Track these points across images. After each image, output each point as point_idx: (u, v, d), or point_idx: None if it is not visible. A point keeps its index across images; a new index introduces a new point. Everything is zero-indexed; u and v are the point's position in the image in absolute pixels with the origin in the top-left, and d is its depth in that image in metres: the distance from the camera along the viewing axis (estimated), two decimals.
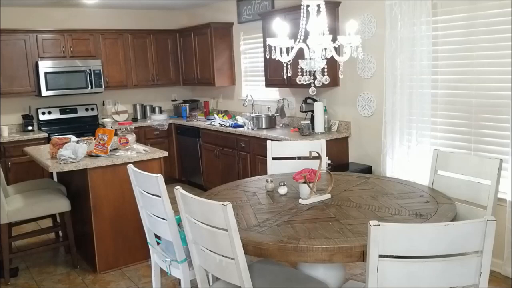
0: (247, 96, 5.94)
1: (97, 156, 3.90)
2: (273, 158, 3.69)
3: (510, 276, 3.50)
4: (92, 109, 6.64)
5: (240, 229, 2.20)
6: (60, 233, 4.65)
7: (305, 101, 5.09)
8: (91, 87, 6.33)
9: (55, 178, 4.83)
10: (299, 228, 2.30)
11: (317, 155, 2.85)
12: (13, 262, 4.03)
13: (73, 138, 4.14)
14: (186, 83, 7.18)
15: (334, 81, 4.73)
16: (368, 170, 4.48)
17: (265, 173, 3.75)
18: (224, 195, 2.93)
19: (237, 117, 5.91)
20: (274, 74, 5.19)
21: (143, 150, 4.11)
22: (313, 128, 4.85)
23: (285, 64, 2.71)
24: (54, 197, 4.03)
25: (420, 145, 3.99)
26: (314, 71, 2.67)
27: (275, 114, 5.55)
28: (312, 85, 2.68)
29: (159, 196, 2.61)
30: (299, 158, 3.77)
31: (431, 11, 3.78)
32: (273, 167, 3.67)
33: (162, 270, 3.01)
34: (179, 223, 2.58)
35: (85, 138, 4.27)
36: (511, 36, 3.35)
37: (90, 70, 6.29)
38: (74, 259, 4.07)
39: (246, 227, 2.35)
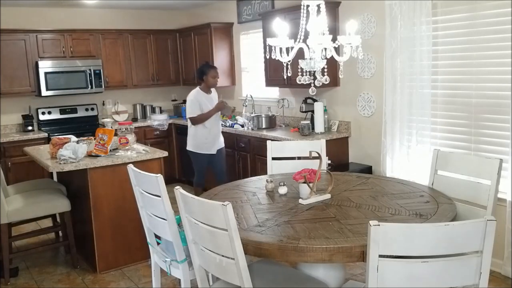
0: (247, 96, 5.94)
1: (97, 156, 3.90)
2: (273, 158, 3.69)
3: (510, 276, 3.50)
4: (92, 109, 6.64)
5: (240, 229, 2.20)
6: (60, 233, 4.65)
7: (305, 101, 5.09)
8: (91, 87, 6.33)
9: (55, 178, 4.83)
10: (299, 228, 2.30)
11: (317, 155, 2.85)
12: (13, 262, 4.03)
13: (73, 138, 4.14)
14: (186, 83, 7.18)
15: (334, 81, 4.73)
16: (368, 170, 4.48)
17: (265, 173, 3.74)
18: (224, 195, 2.93)
19: (237, 117, 5.91)
20: (274, 74, 5.19)
21: (143, 150, 4.11)
22: (313, 128, 4.85)
23: (285, 64, 2.71)
24: (54, 197, 4.03)
25: (420, 145, 3.99)
26: (314, 71, 2.67)
27: (275, 114, 5.55)
28: (312, 85, 2.68)
29: (159, 196, 2.61)
30: (299, 158, 3.77)
31: (431, 11, 3.78)
32: (273, 167, 3.67)
33: (162, 270, 3.01)
34: (179, 223, 2.58)
35: (85, 138, 4.27)
36: (511, 36, 3.35)
37: (90, 70, 6.29)
38: (74, 259, 4.07)
39: (246, 227, 2.35)
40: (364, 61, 4.51)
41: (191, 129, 4.96)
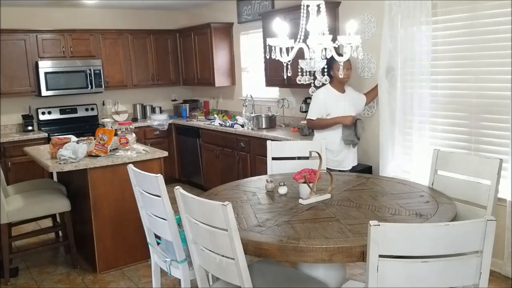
0: (247, 96, 5.94)
1: (97, 156, 3.90)
2: (273, 158, 3.69)
3: (510, 276, 3.50)
4: (92, 109, 6.64)
5: (240, 229, 2.20)
6: (60, 233, 4.66)
7: (305, 101, 5.08)
8: (91, 87, 6.33)
9: (55, 178, 4.83)
10: (299, 228, 2.30)
11: (317, 155, 2.85)
12: (13, 262, 4.03)
13: (73, 138, 4.14)
14: (186, 83, 7.18)
15: None
16: (368, 170, 4.47)
17: (265, 173, 3.74)
18: (224, 195, 2.93)
19: (237, 117, 5.91)
20: (274, 74, 5.19)
21: (143, 150, 4.11)
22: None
23: (285, 64, 2.70)
24: (54, 197, 4.03)
25: (420, 145, 3.98)
26: (314, 71, 2.66)
27: (275, 114, 5.56)
28: (312, 85, 2.68)
29: (159, 196, 2.61)
30: (299, 158, 3.77)
31: (431, 11, 3.78)
32: (273, 167, 3.67)
33: (162, 270, 3.01)
34: (179, 223, 2.59)
35: (85, 138, 4.27)
36: (511, 36, 3.34)
37: (90, 70, 6.29)
38: (74, 259, 4.07)
39: (246, 227, 2.35)
40: (364, 61, 4.51)
41: (314, 135, 4.20)
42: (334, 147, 3.97)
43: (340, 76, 3.88)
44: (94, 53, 6.42)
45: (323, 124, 4.01)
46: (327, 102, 3.99)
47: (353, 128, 3.97)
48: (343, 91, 4.08)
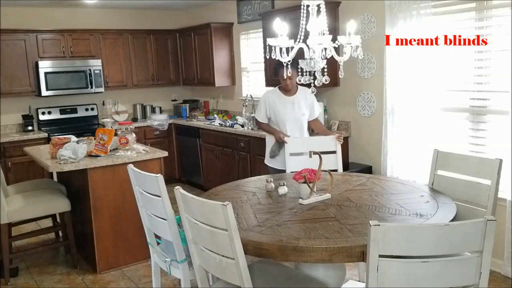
0: (247, 96, 5.93)
1: (97, 156, 3.90)
2: None
3: (510, 276, 3.50)
4: (92, 109, 6.64)
5: (240, 229, 2.20)
6: (60, 233, 4.66)
7: None
8: (91, 87, 6.34)
9: (55, 178, 4.83)
10: (299, 228, 2.30)
11: (317, 155, 2.85)
12: (13, 262, 4.03)
13: (73, 138, 4.14)
14: (186, 83, 7.18)
15: (334, 81, 4.72)
16: (368, 170, 4.47)
17: (265, 173, 3.74)
18: (224, 195, 2.93)
19: (237, 117, 5.91)
20: (274, 74, 5.18)
21: (143, 150, 4.11)
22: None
23: (285, 64, 2.70)
24: (54, 197, 4.03)
25: (420, 145, 3.98)
26: (314, 71, 2.66)
27: None
28: (312, 85, 2.67)
29: (159, 196, 2.61)
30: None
31: (431, 11, 3.77)
32: None
33: (162, 270, 3.01)
34: (179, 223, 2.58)
35: (85, 138, 4.27)
36: (511, 37, 3.34)
37: (90, 70, 6.29)
38: (74, 259, 4.07)
39: (246, 227, 2.35)
40: (364, 61, 4.51)
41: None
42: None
43: (282, 85, 4.03)
44: (94, 53, 6.42)
45: (263, 128, 4.20)
46: (268, 104, 4.08)
47: (278, 144, 4.00)
48: (289, 94, 4.08)
